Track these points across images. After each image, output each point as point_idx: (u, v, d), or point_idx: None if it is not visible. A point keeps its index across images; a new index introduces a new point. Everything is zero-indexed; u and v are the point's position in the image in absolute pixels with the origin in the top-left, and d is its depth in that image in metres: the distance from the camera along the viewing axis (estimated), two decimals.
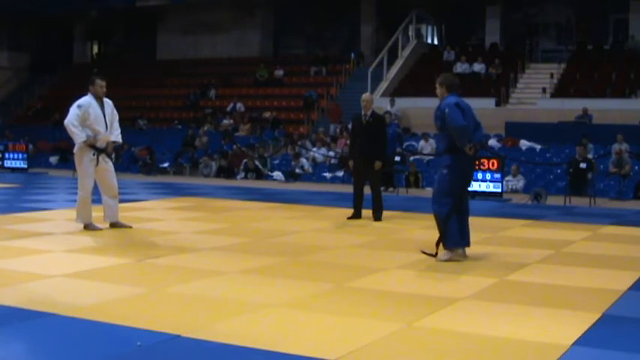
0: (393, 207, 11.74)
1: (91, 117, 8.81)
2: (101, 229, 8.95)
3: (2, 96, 33.54)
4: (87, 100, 8.89)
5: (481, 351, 4.42)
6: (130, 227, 9.18)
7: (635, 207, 13.40)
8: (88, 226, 8.96)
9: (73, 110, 8.81)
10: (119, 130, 9.15)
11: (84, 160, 8.89)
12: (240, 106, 26.85)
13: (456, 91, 7.42)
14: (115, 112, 9.15)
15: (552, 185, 17.14)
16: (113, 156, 9.22)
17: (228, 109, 26.86)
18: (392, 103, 23.48)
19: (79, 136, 8.78)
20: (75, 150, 8.94)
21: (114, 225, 9.15)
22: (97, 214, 9.19)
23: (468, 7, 29.30)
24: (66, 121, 8.84)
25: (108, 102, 9.06)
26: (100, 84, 8.92)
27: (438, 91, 7.46)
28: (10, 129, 28.67)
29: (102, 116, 8.91)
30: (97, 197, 9.16)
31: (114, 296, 5.60)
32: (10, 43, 34.06)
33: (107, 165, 9.05)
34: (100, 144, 8.92)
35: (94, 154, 8.88)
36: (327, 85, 27.35)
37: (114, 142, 9.08)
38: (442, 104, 7.31)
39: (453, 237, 7.26)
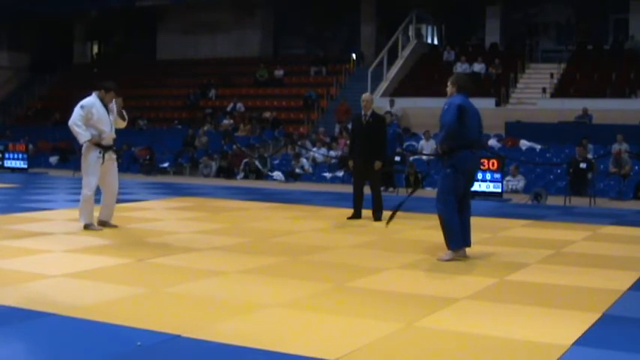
0: (393, 207, 11.69)
1: (95, 117, 8.91)
2: (101, 230, 8.96)
3: (2, 96, 33.53)
4: (91, 100, 8.97)
5: (481, 351, 4.42)
6: (116, 227, 9.19)
7: (635, 207, 13.40)
8: (89, 226, 8.97)
9: (77, 111, 8.92)
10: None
11: (90, 159, 8.96)
12: (240, 106, 26.85)
13: (465, 93, 7.42)
14: (115, 108, 9.21)
15: (552, 185, 17.13)
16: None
17: (228, 109, 26.86)
18: (391, 104, 23.48)
19: (82, 135, 8.88)
20: (83, 149, 9.03)
21: (102, 224, 9.16)
22: (97, 214, 9.20)
23: (468, 7, 29.29)
24: (70, 122, 8.96)
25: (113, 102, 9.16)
26: (113, 96, 9.02)
27: (449, 89, 7.45)
28: (10, 129, 28.66)
29: (106, 116, 9.00)
30: (96, 197, 9.17)
31: (114, 296, 5.60)
32: (10, 43, 34.04)
33: (112, 164, 9.14)
34: (106, 142, 9.00)
35: (100, 153, 8.94)
36: (327, 85, 27.34)
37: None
38: (447, 101, 7.33)
39: (456, 237, 7.24)
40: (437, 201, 7.40)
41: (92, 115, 8.89)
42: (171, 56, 32.48)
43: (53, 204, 11.95)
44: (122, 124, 9.33)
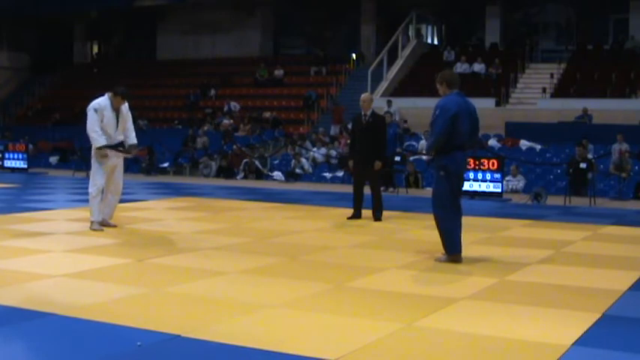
0: (393, 207, 11.73)
1: (105, 119, 8.96)
2: (102, 230, 8.96)
3: (2, 96, 33.55)
4: (102, 102, 9.01)
5: (481, 351, 4.42)
6: (115, 226, 9.21)
7: (635, 207, 13.40)
8: (91, 225, 8.98)
9: (92, 116, 8.95)
10: (134, 133, 9.30)
11: (99, 158, 8.98)
12: (234, 105, 26.88)
13: (457, 88, 7.31)
14: (129, 113, 9.28)
15: (552, 185, 17.13)
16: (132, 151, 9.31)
17: (224, 109, 26.89)
18: (389, 105, 23.45)
19: (97, 140, 8.93)
20: (92, 149, 9.10)
21: (101, 223, 9.16)
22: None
23: (468, 7, 29.32)
24: (88, 129, 8.98)
25: (124, 104, 9.20)
26: (120, 102, 9.04)
27: (440, 90, 7.29)
28: (10, 129, 28.67)
29: (114, 118, 9.04)
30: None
31: (114, 296, 5.60)
32: (10, 43, 34.07)
33: (119, 163, 9.20)
34: (112, 141, 9.03)
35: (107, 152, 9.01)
36: (327, 85, 27.36)
37: (132, 144, 9.24)
38: (439, 102, 7.20)
39: (455, 242, 7.20)
40: (434, 206, 7.30)
41: (103, 117, 8.96)
42: (171, 56, 32.51)
43: (53, 204, 11.94)
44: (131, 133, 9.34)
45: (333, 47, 30.94)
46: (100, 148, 8.93)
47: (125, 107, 9.16)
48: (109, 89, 9.22)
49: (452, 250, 7.20)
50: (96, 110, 8.93)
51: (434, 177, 7.47)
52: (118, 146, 9.12)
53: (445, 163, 7.16)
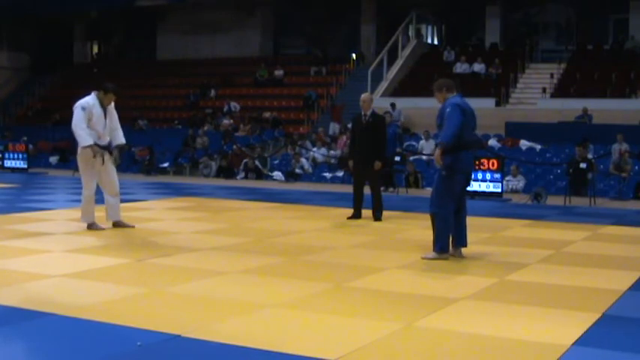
0: (393, 207, 11.73)
1: (94, 118, 8.87)
2: (104, 229, 8.95)
3: (2, 96, 33.54)
4: (90, 101, 8.89)
5: (481, 351, 4.42)
6: (133, 227, 9.18)
7: (635, 207, 13.40)
8: (91, 226, 8.97)
9: (78, 113, 8.80)
10: (121, 131, 9.20)
11: (85, 159, 8.92)
12: (234, 105, 26.87)
13: (457, 91, 7.40)
14: (115, 111, 9.19)
15: (552, 185, 17.13)
16: (118, 156, 9.22)
17: (224, 110, 26.90)
18: (393, 108, 23.43)
19: (84, 139, 8.79)
20: (78, 150, 8.97)
21: (117, 224, 9.15)
22: (99, 213, 9.20)
23: (468, 7, 29.31)
24: (73, 125, 8.83)
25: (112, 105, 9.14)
26: (112, 98, 8.96)
27: (439, 97, 7.37)
28: (10, 129, 28.67)
29: (103, 117, 8.96)
30: (99, 197, 9.16)
31: (114, 296, 5.60)
32: (10, 43, 34.06)
33: (108, 164, 9.08)
34: (101, 142, 8.95)
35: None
36: (327, 85, 27.36)
37: (119, 144, 9.12)
38: (446, 102, 7.29)
39: (444, 240, 7.25)
40: (431, 203, 7.37)
41: (92, 116, 8.84)
42: (171, 56, 32.50)
43: (53, 204, 11.94)
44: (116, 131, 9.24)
45: (333, 47, 30.93)
46: (86, 147, 8.78)
47: (111, 105, 9.09)
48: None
49: (438, 247, 7.25)
50: (84, 109, 8.78)
51: (437, 176, 7.50)
52: (108, 149, 9.05)
53: (450, 162, 7.21)
